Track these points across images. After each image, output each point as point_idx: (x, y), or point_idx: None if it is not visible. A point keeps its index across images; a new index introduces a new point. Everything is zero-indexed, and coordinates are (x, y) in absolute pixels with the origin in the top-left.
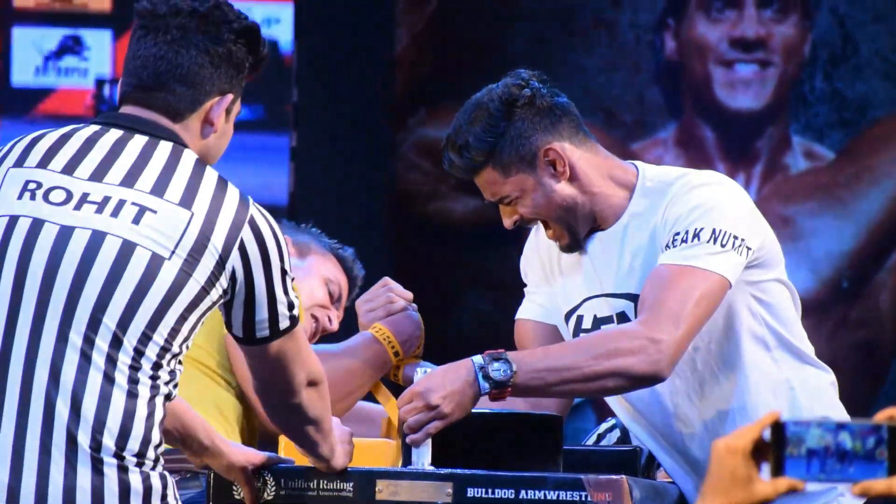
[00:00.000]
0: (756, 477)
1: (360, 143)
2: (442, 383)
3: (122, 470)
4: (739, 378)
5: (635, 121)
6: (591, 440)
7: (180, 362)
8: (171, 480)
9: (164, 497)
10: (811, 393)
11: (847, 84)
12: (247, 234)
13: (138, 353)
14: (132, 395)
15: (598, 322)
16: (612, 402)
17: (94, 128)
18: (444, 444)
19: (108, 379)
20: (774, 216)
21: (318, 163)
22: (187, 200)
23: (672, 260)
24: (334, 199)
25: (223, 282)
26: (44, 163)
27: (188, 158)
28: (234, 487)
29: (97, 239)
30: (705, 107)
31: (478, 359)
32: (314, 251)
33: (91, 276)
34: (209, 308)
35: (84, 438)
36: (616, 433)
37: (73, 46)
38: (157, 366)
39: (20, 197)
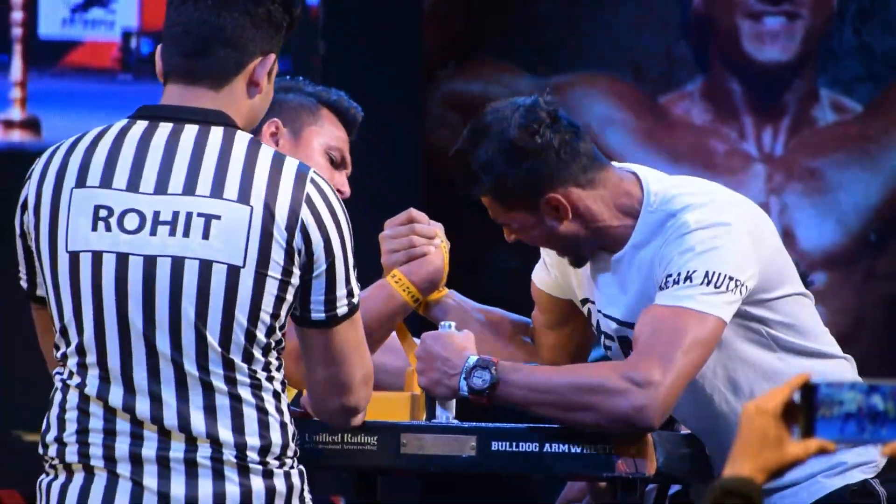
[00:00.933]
0: (787, 438)
1: (387, 97)
2: (431, 356)
3: (267, 475)
4: (744, 384)
5: (663, 74)
6: None
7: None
8: (305, 475)
9: (301, 493)
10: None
11: (876, 38)
12: (306, 215)
13: (248, 361)
14: (261, 406)
15: (602, 333)
16: None
17: (142, 125)
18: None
19: (236, 398)
20: (802, 169)
21: None
22: (245, 194)
23: (664, 301)
24: (362, 152)
25: (296, 264)
26: (106, 180)
27: (240, 143)
28: None
29: (178, 266)
30: (733, 60)
31: (472, 358)
32: (305, 122)
33: (184, 308)
34: (295, 293)
35: (229, 457)
36: None
37: None
38: (267, 366)
39: (94, 227)
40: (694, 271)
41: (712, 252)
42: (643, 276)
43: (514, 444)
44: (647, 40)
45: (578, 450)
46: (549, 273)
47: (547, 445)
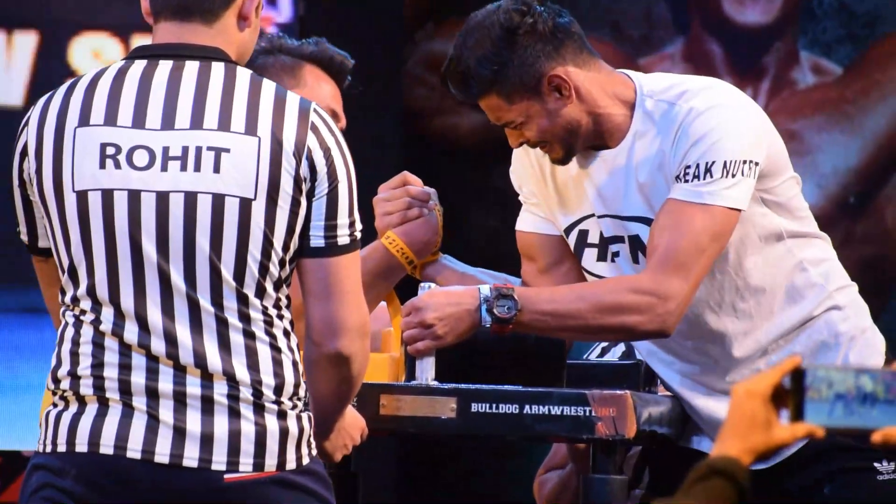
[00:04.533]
0: (775, 422)
1: (366, 57)
2: (441, 304)
3: (281, 416)
4: (755, 274)
5: (643, 36)
6: (596, 352)
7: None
8: (312, 420)
9: (309, 438)
10: (822, 269)
11: None
12: (312, 142)
13: (260, 296)
14: (274, 343)
15: (607, 241)
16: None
17: (141, 64)
18: (447, 360)
19: (250, 336)
20: (781, 131)
21: None
22: (251, 125)
23: (685, 196)
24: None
25: (303, 192)
26: (111, 118)
27: (242, 77)
28: None
29: (191, 201)
30: (713, 21)
31: (485, 290)
32: (287, 86)
33: (198, 242)
34: (304, 224)
35: (246, 394)
36: (621, 346)
37: None
38: (278, 302)
39: (103, 165)
40: (713, 163)
41: (727, 137)
42: (652, 166)
43: (494, 405)
44: (626, 1)
45: (558, 411)
46: (534, 212)
47: (527, 407)
